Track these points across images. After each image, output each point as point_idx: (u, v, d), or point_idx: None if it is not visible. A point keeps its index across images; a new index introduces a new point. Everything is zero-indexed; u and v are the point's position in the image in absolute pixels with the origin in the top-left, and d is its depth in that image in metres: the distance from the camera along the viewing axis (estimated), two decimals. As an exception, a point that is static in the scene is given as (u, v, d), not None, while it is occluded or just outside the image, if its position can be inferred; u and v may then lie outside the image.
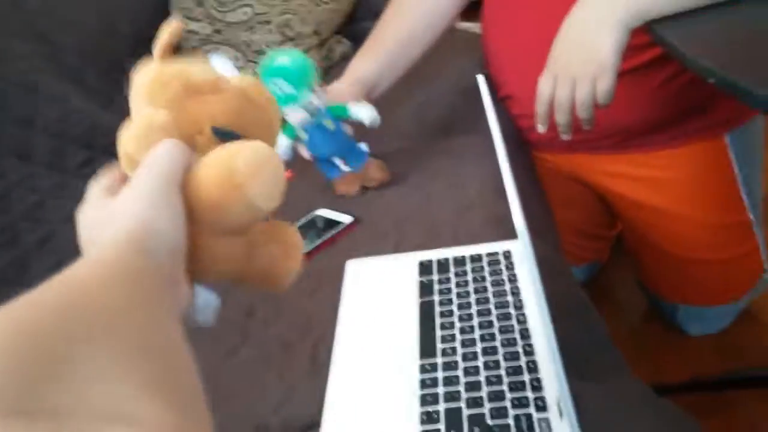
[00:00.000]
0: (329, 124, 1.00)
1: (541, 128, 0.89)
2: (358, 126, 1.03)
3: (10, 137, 0.98)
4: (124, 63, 1.38)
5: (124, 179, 0.43)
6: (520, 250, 0.83)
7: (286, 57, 0.96)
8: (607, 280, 1.47)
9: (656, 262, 1.25)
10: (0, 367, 0.24)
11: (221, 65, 0.52)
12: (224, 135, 0.45)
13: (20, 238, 0.91)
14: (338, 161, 1.04)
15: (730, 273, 1.20)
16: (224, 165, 0.40)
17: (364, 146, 1.05)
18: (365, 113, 1.01)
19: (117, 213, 0.39)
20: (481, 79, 0.76)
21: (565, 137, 0.89)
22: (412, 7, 1.18)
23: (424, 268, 0.84)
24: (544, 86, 0.86)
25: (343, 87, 1.07)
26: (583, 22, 0.82)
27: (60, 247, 0.96)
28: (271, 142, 0.49)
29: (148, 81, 0.45)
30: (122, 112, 1.23)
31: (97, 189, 0.43)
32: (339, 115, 1.01)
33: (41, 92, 1.05)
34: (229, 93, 0.46)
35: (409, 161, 1.12)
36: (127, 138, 0.43)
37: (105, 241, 0.37)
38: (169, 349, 0.31)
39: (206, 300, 0.45)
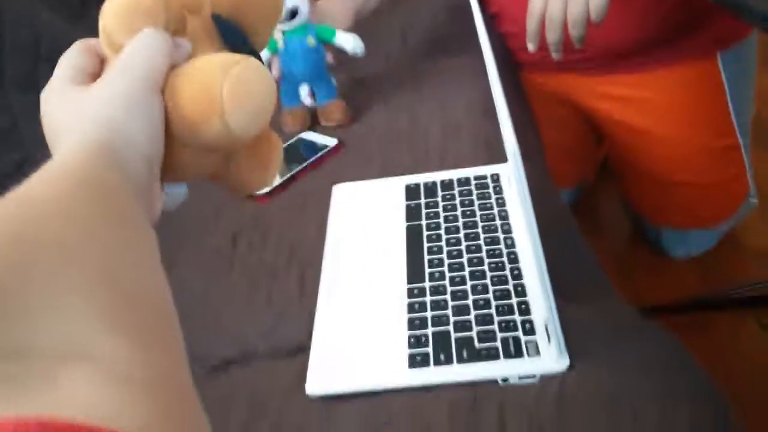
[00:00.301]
0: (311, 42, 0.96)
1: (531, 46, 0.87)
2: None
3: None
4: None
5: (100, 63, 0.40)
6: (510, 172, 0.81)
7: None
8: (592, 203, 1.47)
9: (642, 184, 1.25)
10: None
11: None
12: (223, 27, 0.42)
13: (-6, 161, 0.88)
14: (304, 90, 1.01)
15: (716, 196, 1.20)
16: (207, 86, 0.37)
17: (334, 82, 1.02)
18: (350, 42, 0.98)
19: (86, 113, 0.35)
20: (473, -3, 0.73)
21: (555, 56, 0.86)
22: None
23: (411, 191, 0.83)
24: (536, 2, 0.83)
25: (334, 8, 1.02)
26: None
27: (36, 170, 0.93)
28: (268, 33, 0.45)
29: None
30: (94, 29, 1.17)
31: (67, 70, 0.38)
32: (324, 37, 0.98)
33: (7, 8, 0.99)
34: None
35: (394, 83, 1.09)
36: (108, 12, 0.39)
37: (70, 146, 0.33)
38: (138, 273, 0.29)
39: (175, 194, 0.42)
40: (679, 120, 1.14)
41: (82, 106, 0.36)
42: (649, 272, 1.29)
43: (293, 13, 0.93)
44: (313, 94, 1.01)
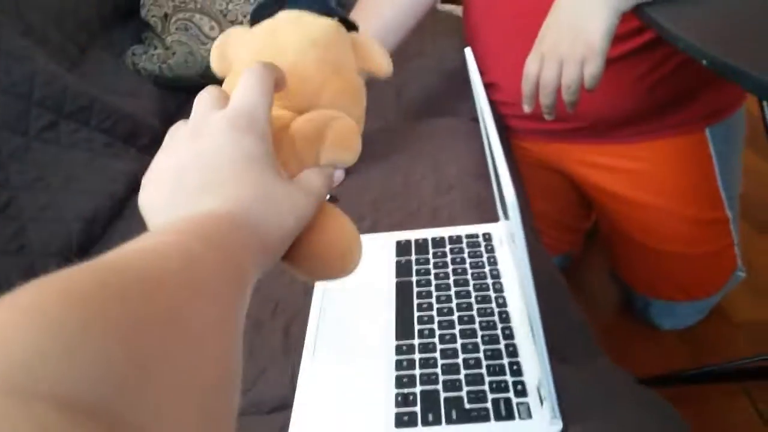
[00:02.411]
0: None
1: (526, 108, 0.87)
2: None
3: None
4: (91, 26, 1.33)
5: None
6: (502, 231, 0.81)
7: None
8: (580, 273, 1.46)
9: (630, 254, 1.25)
10: (103, 354, 0.21)
11: None
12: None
13: (-23, 201, 0.86)
14: None
15: (704, 268, 1.20)
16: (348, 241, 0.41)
17: None
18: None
19: (226, 183, 0.35)
20: (468, 52, 0.74)
21: (548, 117, 0.87)
22: None
23: (402, 248, 0.82)
24: (531, 65, 0.84)
25: None
26: (575, 3, 0.80)
27: (19, 215, 0.91)
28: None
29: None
30: (88, 75, 1.18)
31: (258, 139, 0.37)
32: None
33: (3, 49, 0.99)
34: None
35: (388, 141, 1.09)
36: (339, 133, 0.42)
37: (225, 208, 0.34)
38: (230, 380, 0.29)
39: None
40: (667, 191, 1.14)
41: (270, 190, 0.36)
42: (637, 344, 1.27)
43: None
44: None
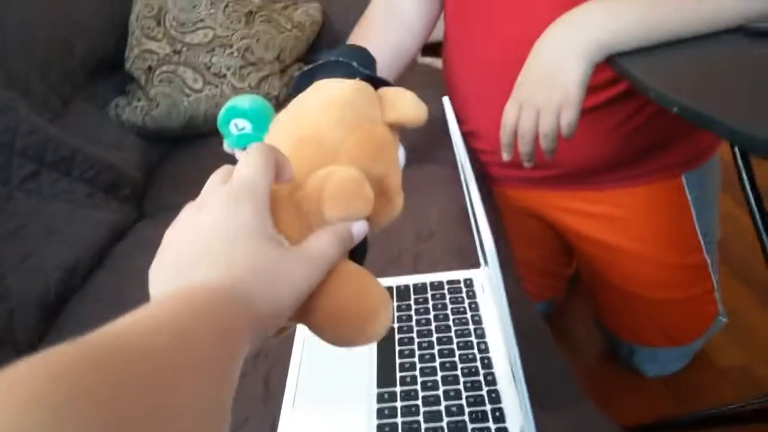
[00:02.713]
0: None
1: (505, 156, 0.89)
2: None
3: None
4: (75, 78, 1.34)
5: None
6: (484, 278, 0.81)
7: (247, 98, 0.93)
8: (563, 319, 1.46)
9: (612, 300, 1.25)
10: None
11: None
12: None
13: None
14: None
15: (686, 314, 1.20)
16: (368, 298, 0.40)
17: None
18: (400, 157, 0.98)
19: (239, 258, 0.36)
20: (446, 100, 0.75)
21: (527, 165, 0.88)
22: (373, 44, 1.16)
23: (384, 295, 0.81)
24: (509, 114, 0.86)
25: None
26: (550, 52, 0.83)
27: (0, 264, 0.91)
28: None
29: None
30: (70, 127, 1.18)
31: (254, 210, 0.37)
32: None
33: (-14, 102, 1.00)
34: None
35: (369, 189, 1.10)
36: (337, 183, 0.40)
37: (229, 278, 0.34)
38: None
39: None
40: (645, 237, 1.16)
41: (264, 261, 0.36)
42: (622, 391, 1.27)
43: None
44: None
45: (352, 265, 0.41)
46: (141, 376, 0.26)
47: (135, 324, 0.29)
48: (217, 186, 0.39)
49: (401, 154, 0.97)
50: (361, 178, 0.40)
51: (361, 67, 0.48)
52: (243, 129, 0.91)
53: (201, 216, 0.37)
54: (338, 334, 0.39)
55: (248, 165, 0.39)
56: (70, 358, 0.24)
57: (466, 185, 0.69)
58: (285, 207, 0.40)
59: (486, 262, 0.75)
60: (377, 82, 0.48)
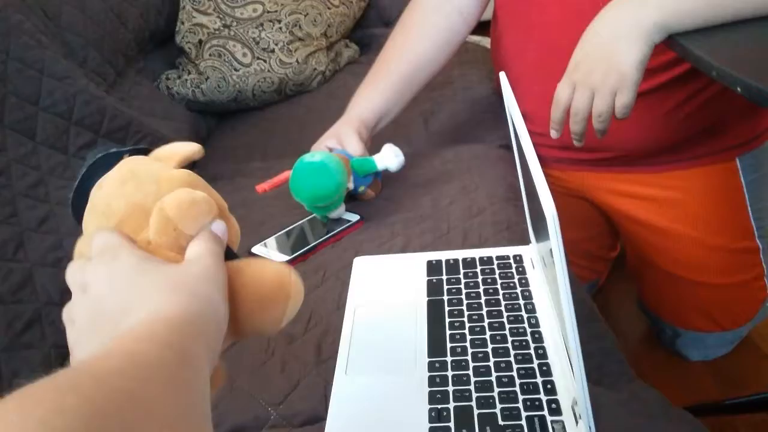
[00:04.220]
0: (362, 189, 1.01)
1: (554, 134, 0.88)
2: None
3: (13, 112, 0.95)
4: (128, 51, 1.37)
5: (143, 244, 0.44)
6: (534, 253, 0.81)
7: (319, 177, 0.92)
8: (605, 303, 1.45)
9: (659, 284, 1.24)
10: None
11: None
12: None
13: (19, 214, 0.88)
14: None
15: (734, 299, 1.19)
16: (280, 284, 0.45)
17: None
18: (392, 163, 0.99)
19: (176, 285, 0.39)
20: (503, 76, 0.75)
21: (577, 144, 0.88)
22: (419, 35, 1.15)
23: (433, 267, 0.82)
24: (563, 92, 0.85)
25: (347, 134, 1.03)
26: (608, 32, 0.81)
27: (58, 228, 0.93)
28: None
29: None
30: (123, 98, 1.20)
31: (131, 252, 0.41)
32: (368, 171, 0.99)
33: (46, 70, 1.02)
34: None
35: (418, 164, 1.11)
36: (173, 204, 0.44)
37: (160, 313, 0.36)
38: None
39: None
40: (696, 220, 1.14)
41: (172, 278, 0.39)
42: (665, 374, 1.26)
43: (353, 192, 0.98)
44: None
45: (238, 261, 0.45)
46: (112, 397, 0.28)
47: (101, 356, 0.32)
48: (81, 266, 0.42)
49: (394, 155, 0.98)
50: (187, 188, 0.45)
51: (119, 147, 0.51)
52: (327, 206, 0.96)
53: (92, 288, 0.40)
54: (263, 317, 0.44)
55: (97, 239, 0.42)
56: (57, 384, 0.27)
57: (521, 157, 0.69)
58: (152, 247, 0.43)
59: (537, 239, 0.75)
60: (142, 152, 0.51)
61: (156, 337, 0.34)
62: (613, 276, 1.45)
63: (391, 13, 1.74)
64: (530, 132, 1.15)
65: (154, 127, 1.22)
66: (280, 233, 0.96)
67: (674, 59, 0.96)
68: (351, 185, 0.97)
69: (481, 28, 1.25)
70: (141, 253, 0.41)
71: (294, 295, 0.45)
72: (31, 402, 0.26)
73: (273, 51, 1.48)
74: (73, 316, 0.41)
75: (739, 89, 0.68)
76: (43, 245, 0.88)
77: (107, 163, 0.49)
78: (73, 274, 0.42)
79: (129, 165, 0.48)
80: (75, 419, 0.25)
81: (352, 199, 1.02)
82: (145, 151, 0.51)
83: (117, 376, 0.30)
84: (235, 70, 1.47)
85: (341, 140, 1.01)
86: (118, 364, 0.31)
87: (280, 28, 1.48)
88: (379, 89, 1.11)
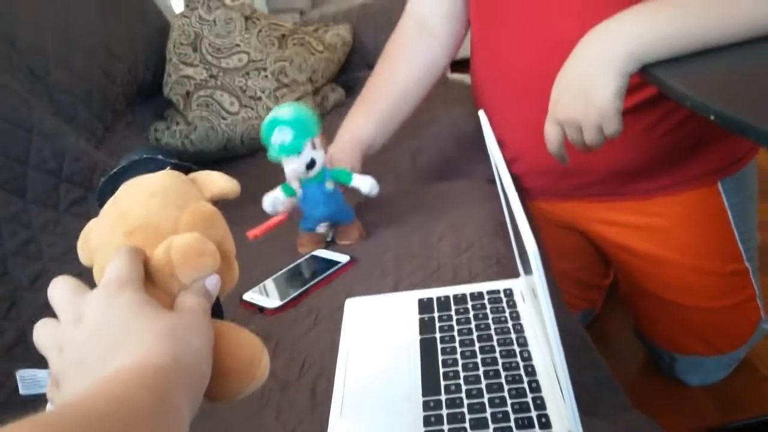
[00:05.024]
0: (329, 185, 1.00)
1: (562, 162, 0.89)
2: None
3: (2, 172, 0.96)
4: (116, 105, 1.39)
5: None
6: (524, 286, 0.82)
7: (289, 108, 0.97)
8: (601, 330, 1.45)
9: (652, 310, 1.25)
10: None
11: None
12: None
13: (11, 274, 0.88)
14: (323, 226, 1.04)
15: (728, 322, 1.19)
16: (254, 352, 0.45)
17: (351, 210, 1.06)
18: (366, 185, 1.01)
19: (168, 331, 0.39)
20: (482, 113, 0.77)
21: (562, 163, 0.89)
22: (403, 62, 1.20)
23: (424, 305, 0.83)
24: (551, 132, 0.86)
25: (344, 155, 1.07)
26: (583, 67, 0.82)
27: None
28: None
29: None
30: (114, 153, 1.22)
31: (137, 283, 0.42)
32: (341, 180, 1.01)
33: (35, 129, 1.04)
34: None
35: (406, 203, 1.12)
36: (180, 249, 0.44)
37: (148, 358, 0.37)
38: None
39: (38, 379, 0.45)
40: (684, 245, 1.15)
41: (167, 325, 0.40)
42: (665, 401, 1.25)
43: (310, 164, 0.98)
44: (331, 225, 1.04)
45: (222, 323, 0.45)
46: None
47: (88, 397, 0.32)
48: (77, 297, 0.41)
49: (370, 184, 1.00)
50: (201, 237, 0.45)
51: (164, 157, 0.52)
52: (284, 141, 0.95)
53: (87, 323, 0.40)
54: (226, 386, 0.44)
55: (114, 263, 0.42)
56: (45, 424, 0.28)
57: (504, 195, 0.70)
58: (146, 286, 0.43)
59: (525, 272, 0.75)
60: (184, 169, 0.52)
61: (145, 383, 0.35)
62: (609, 304, 1.46)
63: (374, 56, 1.75)
64: (513, 160, 1.18)
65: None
66: (271, 279, 0.97)
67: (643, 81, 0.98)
68: (330, 185, 1.00)
69: (463, 66, 1.28)
70: (143, 297, 0.41)
71: (259, 378, 0.45)
72: None
73: (260, 98, 1.50)
74: (62, 343, 0.40)
75: (712, 117, 0.69)
76: (37, 303, 0.88)
77: (147, 166, 0.49)
78: (65, 303, 0.41)
79: (165, 179, 0.48)
80: None
81: (338, 246, 1.03)
82: (187, 169, 0.51)
83: (103, 421, 0.30)
84: (223, 118, 1.49)
85: (332, 154, 1.05)
86: (104, 409, 0.31)
87: (266, 75, 1.51)
88: (367, 116, 1.15)
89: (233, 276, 0.50)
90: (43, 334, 0.41)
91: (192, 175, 0.51)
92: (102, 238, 0.47)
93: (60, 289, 0.42)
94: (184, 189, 0.48)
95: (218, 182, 0.51)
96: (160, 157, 0.50)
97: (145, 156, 0.49)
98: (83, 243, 0.49)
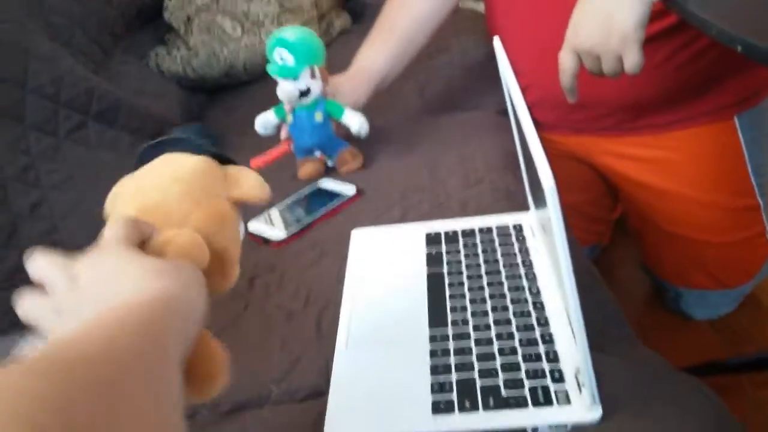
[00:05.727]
0: (318, 117, 0.99)
1: (570, 99, 0.86)
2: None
3: (1, 96, 0.94)
4: (115, 29, 1.34)
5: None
6: (534, 220, 0.80)
7: (298, 31, 0.95)
8: (608, 265, 1.45)
9: (661, 245, 1.23)
10: None
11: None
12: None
13: (10, 201, 0.87)
14: (316, 152, 1.03)
15: (736, 257, 1.18)
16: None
17: (341, 141, 1.05)
18: (356, 125, 1.01)
19: (165, 270, 0.40)
20: (497, 41, 0.73)
21: (571, 100, 0.86)
22: None
23: (432, 239, 0.81)
24: (566, 61, 0.83)
25: (348, 86, 1.05)
26: None
27: (51, 213, 0.92)
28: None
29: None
30: (112, 77, 1.18)
31: (125, 247, 0.42)
32: (333, 113, 1.01)
33: (32, 52, 1.00)
34: None
35: (414, 134, 1.09)
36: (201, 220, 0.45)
37: (151, 291, 0.38)
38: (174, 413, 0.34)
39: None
40: (696, 180, 1.13)
41: (156, 266, 0.41)
42: (670, 335, 1.26)
43: (305, 92, 0.96)
44: (326, 153, 1.03)
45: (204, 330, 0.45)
46: (84, 386, 0.28)
47: (78, 339, 0.32)
48: (68, 262, 0.41)
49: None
50: (201, 243, 0.45)
51: (208, 143, 0.50)
52: (284, 61, 0.93)
53: (82, 279, 0.40)
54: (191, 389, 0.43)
55: (112, 228, 0.43)
56: (31, 369, 0.28)
57: (518, 125, 0.68)
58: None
59: (537, 206, 0.74)
60: (223, 159, 0.51)
61: (135, 320, 0.35)
62: (616, 238, 1.44)
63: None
64: (526, 88, 1.14)
65: (144, 106, 1.20)
66: (276, 207, 0.95)
67: (661, 10, 0.94)
68: (320, 117, 1.00)
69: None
70: (133, 249, 0.42)
71: (206, 395, 0.44)
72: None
73: (263, 24, 1.45)
74: (60, 307, 0.40)
75: (739, 48, 0.66)
76: (36, 231, 0.87)
77: (183, 147, 0.49)
78: (56, 269, 0.41)
79: (197, 167, 0.48)
80: (43, 407, 0.25)
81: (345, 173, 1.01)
82: (227, 159, 0.51)
83: (92, 363, 0.30)
84: (225, 44, 1.44)
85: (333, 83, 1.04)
86: (94, 350, 0.31)
87: (269, 0, 1.45)
88: (382, 47, 1.13)
89: (226, 284, 0.49)
90: (32, 303, 0.41)
91: (227, 168, 0.50)
92: (117, 207, 0.48)
93: (45, 260, 0.42)
94: (210, 183, 0.48)
95: (249, 183, 0.50)
96: (200, 143, 0.50)
97: (185, 138, 0.50)
98: (111, 201, 0.50)
